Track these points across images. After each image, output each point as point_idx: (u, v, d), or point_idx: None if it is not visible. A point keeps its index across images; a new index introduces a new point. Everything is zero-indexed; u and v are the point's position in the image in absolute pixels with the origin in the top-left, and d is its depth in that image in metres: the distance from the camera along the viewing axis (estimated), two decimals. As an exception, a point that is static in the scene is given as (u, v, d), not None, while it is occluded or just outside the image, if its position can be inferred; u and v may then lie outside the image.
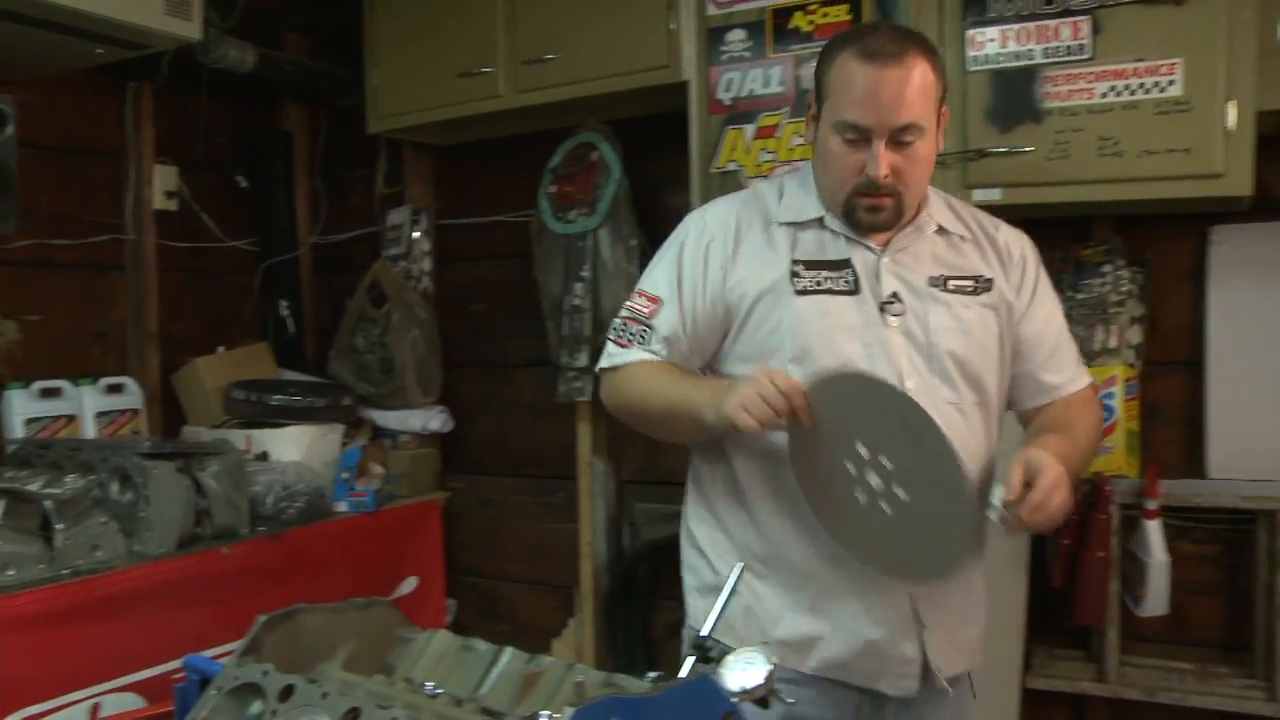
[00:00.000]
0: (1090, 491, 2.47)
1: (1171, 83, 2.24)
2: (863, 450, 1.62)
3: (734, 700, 1.16)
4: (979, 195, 2.37)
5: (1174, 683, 2.54)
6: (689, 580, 2.02)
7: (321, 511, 3.16)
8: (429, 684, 1.29)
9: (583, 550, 3.28)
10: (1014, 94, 2.36)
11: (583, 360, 3.09)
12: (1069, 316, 2.57)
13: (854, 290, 1.79)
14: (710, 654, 1.25)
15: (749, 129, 2.62)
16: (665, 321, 1.85)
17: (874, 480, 1.62)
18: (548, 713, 1.04)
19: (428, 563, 3.53)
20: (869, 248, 1.81)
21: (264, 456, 3.19)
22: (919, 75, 1.70)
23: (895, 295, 1.79)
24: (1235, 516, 2.53)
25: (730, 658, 1.21)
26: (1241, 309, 2.53)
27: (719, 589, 1.68)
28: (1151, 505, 2.48)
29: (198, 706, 1.32)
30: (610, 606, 3.28)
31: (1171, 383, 2.65)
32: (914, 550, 1.65)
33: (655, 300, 1.87)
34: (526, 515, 3.56)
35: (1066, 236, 2.68)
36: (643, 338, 1.86)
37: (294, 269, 3.82)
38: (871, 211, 1.76)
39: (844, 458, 1.63)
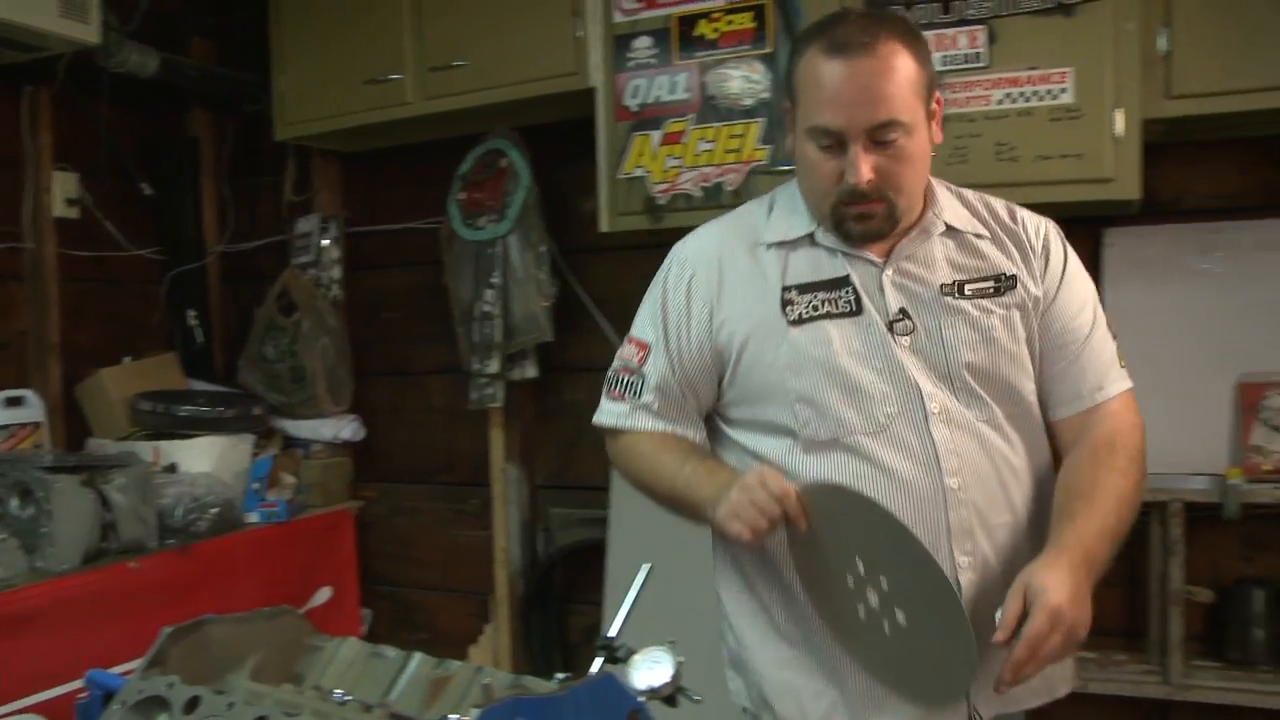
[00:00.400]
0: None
1: (1063, 90, 2.31)
2: (860, 567, 1.48)
3: (640, 699, 1.18)
4: (881, 199, 2.41)
5: (1077, 671, 2.60)
6: (725, 651, 1.84)
7: (232, 523, 3.12)
8: (338, 691, 1.29)
9: (497, 557, 3.27)
10: (914, 102, 2.41)
11: (494, 367, 3.09)
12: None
13: (855, 310, 1.61)
14: (618, 654, 1.27)
15: (655, 135, 2.64)
16: (655, 369, 1.72)
17: (872, 598, 1.47)
18: (456, 715, 1.05)
19: (341, 572, 3.50)
20: (869, 261, 1.63)
21: (172, 468, 3.14)
22: (895, 65, 1.51)
23: (903, 311, 1.61)
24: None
25: (637, 657, 1.23)
26: (1133, 308, 2.60)
27: (747, 664, 1.73)
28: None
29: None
30: (526, 612, 3.28)
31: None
32: (916, 672, 1.50)
33: (644, 346, 1.75)
34: (440, 523, 3.55)
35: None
36: (634, 390, 1.74)
37: (201, 278, 3.76)
38: (861, 220, 1.58)
39: (844, 569, 1.49)
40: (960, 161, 2.38)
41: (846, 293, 1.62)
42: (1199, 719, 2.65)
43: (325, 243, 3.57)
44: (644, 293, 1.76)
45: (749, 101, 2.55)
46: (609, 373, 1.82)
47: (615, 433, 1.80)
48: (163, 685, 1.29)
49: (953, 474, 1.58)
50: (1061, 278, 1.69)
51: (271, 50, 3.30)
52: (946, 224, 1.66)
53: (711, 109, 2.59)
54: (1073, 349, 1.68)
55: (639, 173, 2.66)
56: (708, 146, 2.58)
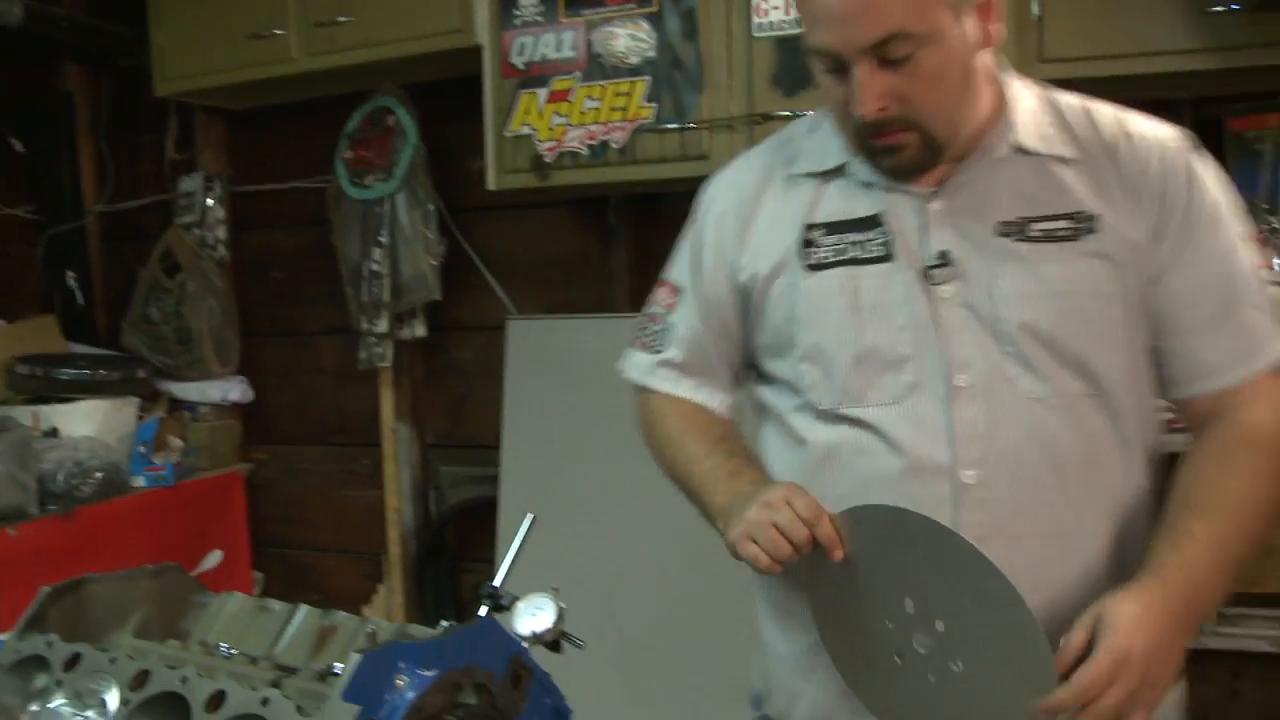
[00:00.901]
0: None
1: (937, 51, 2.36)
2: (910, 608, 1.23)
3: (524, 644, 1.21)
4: (766, 158, 2.45)
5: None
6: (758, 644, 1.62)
7: (118, 487, 3.08)
8: (223, 645, 1.29)
9: (389, 517, 3.27)
10: (797, 60, 2.44)
11: (382, 326, 3.09)
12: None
13: (885, 255, 1.34)
14: (502, 602, 1.29)
15: (542, 93, 2.64)
16: (684, 319, 1.52)
17: (921, 643, 1.23)
18: (341, 665, 1.07)
19: (232, 535, 3.47)
20: (912, 194, 1.35)
21: (53, 432, 3.07)
22: None
23: (944, 255, 1.31)
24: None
25: (520, 604, 1.25)
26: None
27: (788, 659, 1.49)
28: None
29: (-21, 683, 1.30)
30: (419, 571, 3.29)
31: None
32: None
33: (675, 291, 1.54)
34: (332, 484, 3.53)
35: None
36: (659, 342, 1.55)
37: (80, 238, 3.67)
38: (890, 154, 1.30)
39: (883, 612, 1.26)
40: (841, 120, 2.42)
41: (877, 234, 1.35)
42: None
43: (210, 202, 3.50)
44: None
45: (635, 60, 2.56)
46: (640, 317, 1.62)
47: (639, 390, 1.63)
48: (41, 644, 1.28)
49: (972, 465, 1.29)
50: (1187, 220, 1.30)
51: (148, 2, 3.21)
52: (1016, 144, 1.33)
53: (598, 67, 2.59)
54: (1207, 310, 1.31)
55: (525, 131, 2.66)
56: (594, 105, 2.59)
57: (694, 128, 2.50)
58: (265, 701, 1.03)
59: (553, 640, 1.26)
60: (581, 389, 2.89)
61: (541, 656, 1.22)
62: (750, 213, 1.46)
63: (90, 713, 1.17)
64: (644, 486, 2.82)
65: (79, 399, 3.16)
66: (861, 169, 1.37)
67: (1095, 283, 1.30)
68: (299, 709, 1.01)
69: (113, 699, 1.15)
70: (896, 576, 1.24)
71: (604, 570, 2.77)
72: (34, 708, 1.23)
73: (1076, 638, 1.13)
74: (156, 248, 3.45)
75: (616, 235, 2.98)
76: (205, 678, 1.11)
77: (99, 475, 3.00)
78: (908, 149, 1.29)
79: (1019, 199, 1.32)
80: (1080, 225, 1.30)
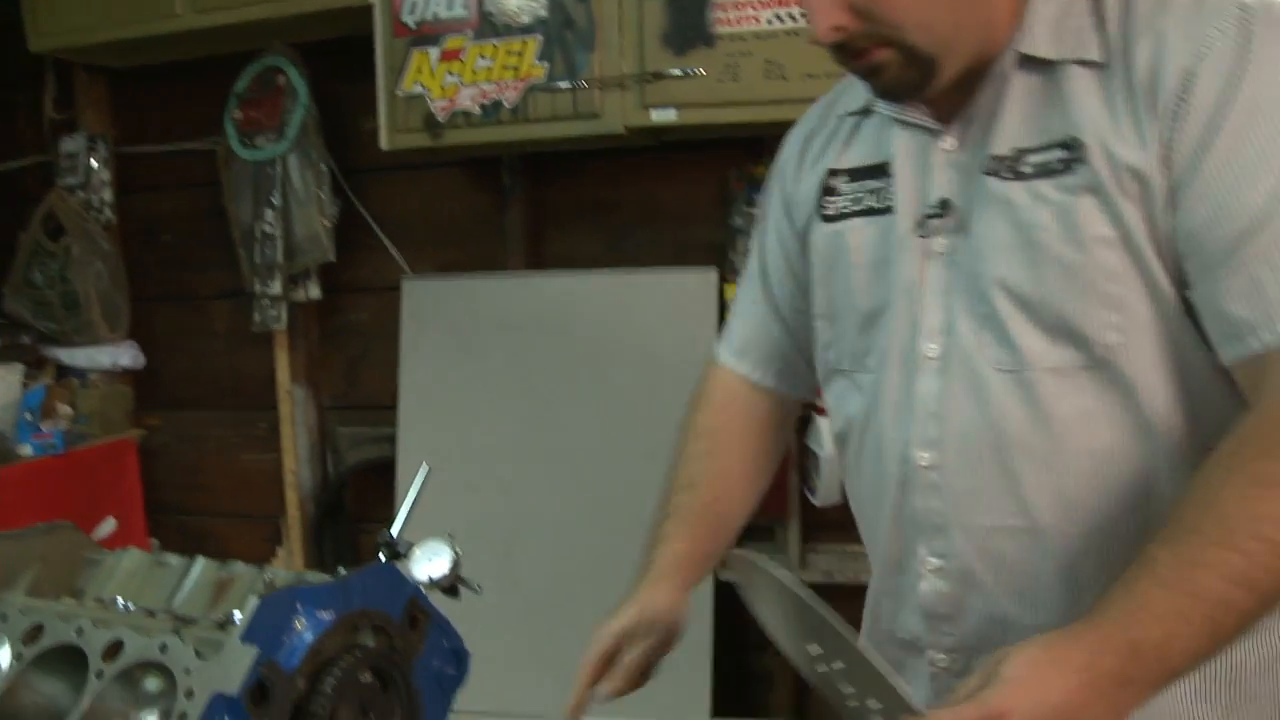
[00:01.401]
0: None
1: (828, 11, 2.42)
2: (815, 650, 1.04)
3: (421, 589, 1.23)
4: (656, 115, 2.49)
5: (849, 564, 2.79)
6: None
7: (3, 455, 3.02)
8: (120, 600, 1.29)
9: (287, 479, 3.26)
10: (687, 19, 2.47)
11: (276, 288, 3.06)
12: (740, 231, 2.79)
13: (889, 207, 1.18)
14: (399, 550, 1.32)
15: (434, 52, 2.64)
16: (741, 313, 1.42)
17: (840, 684, 1.01)
18: (240, 612, 1.08)
19: (126, 503, 3.42)
20: (927, 129, 1.16)
21: (-71, 405, 3.00)
22: None
23: (944, 204, 1.12)
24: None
25: (416, 549, 1.28)
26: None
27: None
28: (820, 402, 2.69)
29: None
30: (318, 533, 3.28)
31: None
32: None
33: (745, 271, 1.43)
34: (228, 448, 3.50)
35: (742, 156, 2.85)
36: (726, 337, 1.46)
37: (-45, 200, 3.56)
38: (873, 76, 1.08)
39: (809, 656, 1.05)
40: (732, 79, 2.46)
41: (884, 182, 1.19)
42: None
43: (94, 164, 3.42)
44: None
45: (526, 19, 2.57)
46: None
47: (707, 371, 1.49)
48: (-68, 604, 1.28)
49: (926, 445, 1.14)
50: (1214, 120, 0.97)
51: (18, -49, 3.11)
52: (1020, 52, 1.08)
53: (489, 26, 2.59)
54: (1222, 248, 0.97)
55: (418, 90, 2.66)
56: (486, 64, 2.59)
57: (586, 86, 2.52)
58: (163, 648, 1.05)
59: (450, 585, 1.29)
60: (477, 348, 2.91)
61: (441, 605, 1.25)
62: (800, 161, 1.32)
63: (-16, 669, 1.18)
64: (540, 445, 2.88)
65: (-41, 367, 3.09)
66: (885, 104, 1.18)
67: (1074, 225, 1.03)
68: (197, 653, 1.02)
69: (4, 655, 1.16)
70: (796, 624, 1.06)
71: (501, 528, 2.80)
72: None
73: (970, 684, 0.89)
74: (38, 211, 3.36)
75: (511, 194, 2.99)
76: (102, 628, 1.12)
77: (-17, 444, 2.94)
78: (889, 68, 1.06)
79: (1020, 125, 1.08)
80: (1072, 154, 1.04)
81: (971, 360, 1.10)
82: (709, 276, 2.80)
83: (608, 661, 1.25)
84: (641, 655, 1.26)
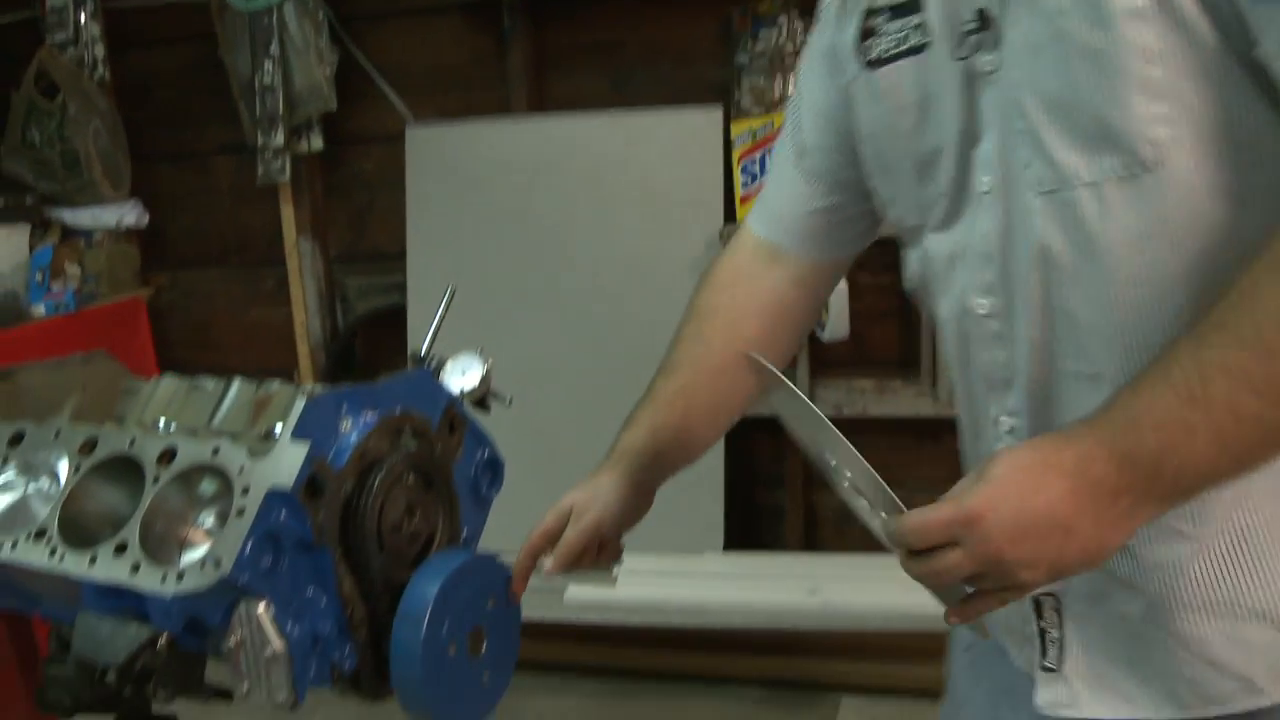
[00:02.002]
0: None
1: None
2: (832, 460, 0.96)
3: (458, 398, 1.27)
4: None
5: (856, 399, 2.85)
6: None
7: (17, 314, 3.05)
8: (162, 422, 1.33)
9: (297, 332, 3.30)
10: None
11: (278, 140, 3.05)
12: (744, 69, 2.77)
13: (930, 41, 1.01)
14: (430, 366, 1.35)
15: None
16: (775, 178, 1.27)
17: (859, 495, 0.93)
18: (281, 423, 1.12)
19: (138, 361, 3.45)
20: None
21: (-59, 262, 3.02)
22: None
23: (982, 16, 0.94)
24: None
25: (449, 364, 1.32)
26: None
27: None
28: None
29: (-79, 472, 1.33)
30: (329, 383, 3.32)
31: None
32: None
33: (781, 135, 1.26)
34: (236, 304, 3.53)
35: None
36: (757, 204, 1.30)
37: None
38: None
39: (830, 470, 0.97)
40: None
41: (923, 15, 1.01)
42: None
43: (83, 19, 3.37)
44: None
45: None
46: None
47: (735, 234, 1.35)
48: (-18, 428, 1.32)
49: (984, 292, 1.01)
50: None
51: None
52: None
53: None
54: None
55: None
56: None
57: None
58: (216, 451, 1.09)
59: (481, 398, 1.33)
60: (484, 193, 2.92)
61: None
62: (842, 5, 1.14)
63: (42, 482, 1.22)
64: (548, 287, 2.91)
65: (-35, 228, 3.09)
66: None
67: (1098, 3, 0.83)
68: (250, 452, 1.06)
69: (63, 467, 1.20)
70: (815, 437, 0.97)
71: (511, 372, 2.83)
72: (-18, 487, 1.27)
73: (958, 485, 0.84)
74: (29, 69, 3.32)
75: (511, 37, 2.96)
76: (155, 438, 1.16)
77: (-4, 303, 2.97)
78: None
79: None
80: None
81: (1017, 186, 0.94)
82: (714, 115, 2.79)
83: (551, 539, 1.22)
84: (578, 535, 1.22)
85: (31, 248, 3.26)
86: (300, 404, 1.06)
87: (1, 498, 1.23)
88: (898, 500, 0.85)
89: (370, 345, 3.35)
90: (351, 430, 1.10)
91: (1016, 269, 0.96)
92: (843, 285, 2.70)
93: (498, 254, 2.90)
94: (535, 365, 2.86)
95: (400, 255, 3.05)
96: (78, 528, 1.15)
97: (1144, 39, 0.82)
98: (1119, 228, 0.88)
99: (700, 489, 2.80)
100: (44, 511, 1.19)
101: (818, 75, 1.18)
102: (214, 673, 1.18)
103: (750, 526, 3.06)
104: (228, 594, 1.03)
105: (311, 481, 1.04)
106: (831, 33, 1.15)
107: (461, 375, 1.30)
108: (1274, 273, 0.75)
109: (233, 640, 1.05)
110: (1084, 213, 0.89)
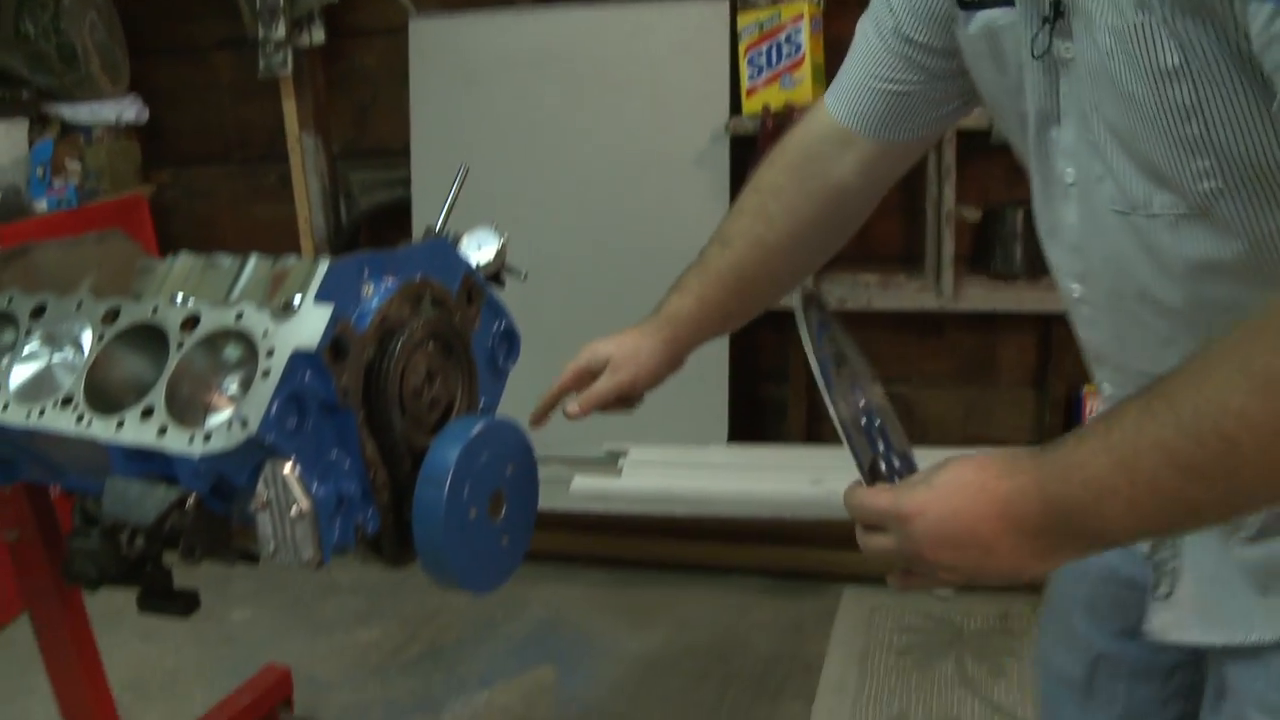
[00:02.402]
0: (782, 119, 2.67)
1: None
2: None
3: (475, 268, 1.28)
4: None
5: (861, 292, 2.86)
6: None
7: (19, 210, 3.04)
8: (179, 298, 1.34)
9: (301, 228, 3.29)
10: None
11: (279, 33, 3.01)
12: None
13: None
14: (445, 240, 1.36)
15: None
16: (855, 51, 1.21)
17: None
18: (300, 295, 1.13)
19: (149, 254, 3.45)
20: None
21: (-58, 157, 3.00)
22: None
23: (1058, 7, 0.89)
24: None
25: (465, 237, 1.33)
26: None
27: None
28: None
29: (-56, 346, 1.34)
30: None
31: (853, 17, 2.85)
32: None
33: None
34: (239, 201, 3.51)
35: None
36: (835, 80, 1.24)
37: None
38: None
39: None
40: None
41: None
42: (967, 326, 2.96)
43: (77, -91, 3.31)
44: None
45: None
46: None
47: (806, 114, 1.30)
48: (2, 301, 1.33)
49: (1075, 278, 1.03)
50: None
51: None
52: None
53: None
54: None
55: None
56: None
57: None
58: (239, 316, 1.10)
59: (496, 272, 1.34)
60: (488, 86, 2.90)
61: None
62: None
63: (66, 352, 1.24)
64: (553, 182, 2.90)
65: (-37, 121, 3.07)
66: None
67: (1145, 54, 0.80)
68: (273, 315, 1.08)
69: (87, 337, 1.21)
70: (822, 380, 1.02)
71: (520, 263, 2.85)
72: (6, 360, 1.28)
73: (911, 479, 0.90)
74: (19, -41, 3.27)
75: (515, -74, 2.92)
76: (177, 307, 1.17)
77: (-1, 198, 2.96)
78: None
79: None
80: None
81: (1093, 195, 0.94)
82: (720, 7, 2.76)
83: (581, 381, 1.29)
84: (612, 389, 1.27)
85: (31, 143, 3.24)
86: (323, 269, 1.07)
87: (26, 368, 1.25)
88: (863, 472, 0.94)
89: (375, 241, 3.35)
90: (373, 295, 1.11)
91: (1100, 269, 0.98)
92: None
93: (502, 148, 2.89)
94: (539, 259, 2.85)
95: (404, 150, 3.03)
96: (104, 395, 1.17)
97: (1179, 96, 0.80)
98: (1187, 252, 0.88)
99: (705, 382, 2.83)
100: (69, 380, 1.21)
101: None
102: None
103: (754, 420, 3.09)
104: (254, 454, 1.05)
105: (336, 343, 1.05)
106: None
107: (478, 249, 1.31)
108: (1229, 359, 0.73)
109: (259, 501, 1.07)
110: (1154, 240, 0.90)
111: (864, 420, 1.04)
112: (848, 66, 1.22)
